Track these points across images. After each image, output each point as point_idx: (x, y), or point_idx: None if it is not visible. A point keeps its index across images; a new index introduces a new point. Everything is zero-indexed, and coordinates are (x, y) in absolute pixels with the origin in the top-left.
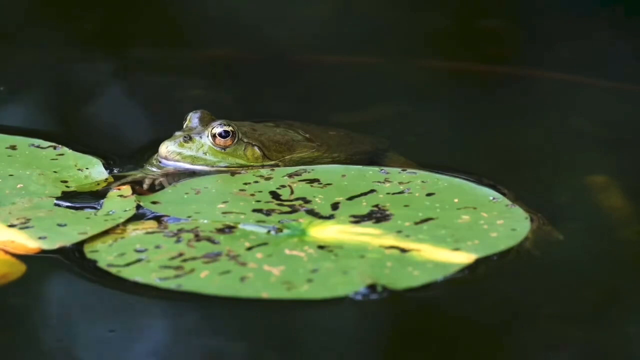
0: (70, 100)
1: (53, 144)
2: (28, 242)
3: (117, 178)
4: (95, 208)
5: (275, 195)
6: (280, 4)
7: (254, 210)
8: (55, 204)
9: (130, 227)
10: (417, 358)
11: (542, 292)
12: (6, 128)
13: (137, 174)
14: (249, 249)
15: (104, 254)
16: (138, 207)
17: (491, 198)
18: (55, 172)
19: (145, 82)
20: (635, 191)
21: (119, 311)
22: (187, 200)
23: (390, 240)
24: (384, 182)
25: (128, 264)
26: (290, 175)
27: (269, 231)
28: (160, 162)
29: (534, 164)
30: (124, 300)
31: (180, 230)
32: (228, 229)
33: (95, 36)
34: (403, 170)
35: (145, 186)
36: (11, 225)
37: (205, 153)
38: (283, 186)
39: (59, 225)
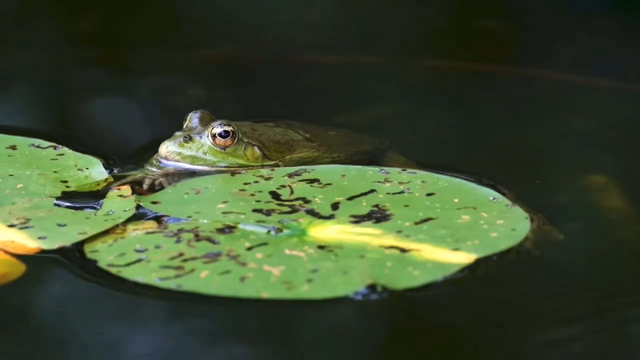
0: (71, 100)
1: (53, 144)
2: (28, 242)
3: (117, 178)
4: (95, 208)
5: (275, 195)
6: (280, 3)
7: (254, 210)
8: (55, 204)
9: (130, 227)
10: (417, 358)
11: (542, 292)
12: (6, 128)
13: (137, 174)
14: (249, 249)
15: (104, 254)
16: (138, 207)
17: (491, 198)
18: (55, 172)
19: (145, 82)
20: (635, 191)
21: (119, 311)
22: (187, 200)
23: (390, 240)
24: (384, 182)
25: (128, 264)
26: (290, 175)
27: (269, 231)
28: (160, 162)
29: (534, 164)
30: (124, 300)
31: (180, 230)
32: (228, 229)
33: (95, 36)
34: (403, 170)
35: (145, 186)
36: (11, 225)
37: (205, 153)
38: (283, 186)
39: (59, 225)
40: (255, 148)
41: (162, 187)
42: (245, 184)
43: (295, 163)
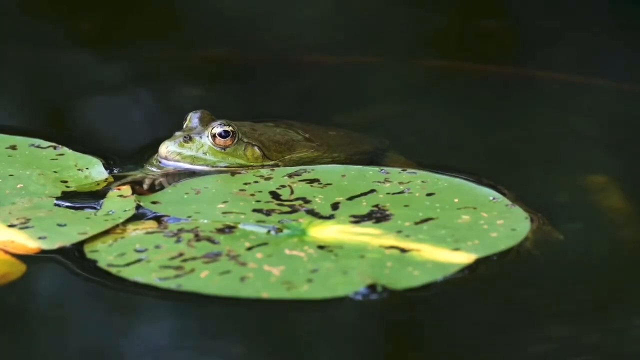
0: (71, 100)
1: (53, 144)
2: (28, 242)
3: (117, 178)
4: (95, 208)
5: (275, 195)
6: (280, 3)
7: (254, 210)
8: (55, 204)
9: (130, 227)
10: (417, 358)
11: (542, 292)
12: (6, 128)
13: (137, 174)
14: (249, 249)
15: (104, 254)
16: (138, 207)
17: (491, 198)
18: (55, 172)
19: (145, 82)
20: (635, 191)
21: (119, 311)
22: (187, 200)
23: (390, 240)
24: (384, 182)
25: (128, 264)
26: (290, 175)
27: (269, 231)
28: (160, 162)
29: (534, 164)
30: (124, 300)
31: (180, 230)
32: (228, 229)
33: (94, 36)
34: (403, 170)
35: (145, 186)
36: (11, 225)
37: (205, 153)
38: (283, 186)
39: (59, 225)
40: (255, 148)
41: (162, 187)
42: (245, 184)
43: (295, 163)
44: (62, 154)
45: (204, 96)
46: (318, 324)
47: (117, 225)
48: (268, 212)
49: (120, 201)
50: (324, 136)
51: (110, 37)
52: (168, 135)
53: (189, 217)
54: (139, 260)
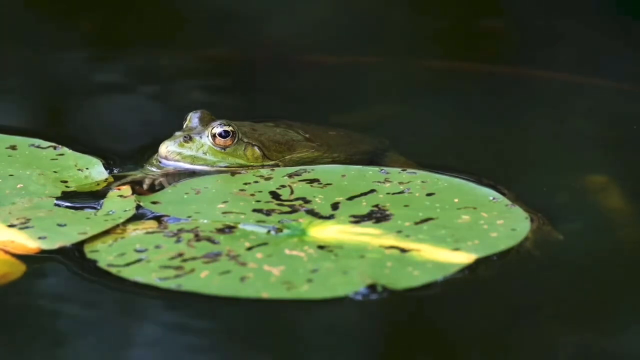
0: (71, 101)
1: (53, 144)
2: (28, 242)
3: (117, 178)
4: (95, 208)
5: (275, 195)
6: (281, 3)
7: (254, 210)
8: (55, 204)
9: (130, 227)
10: (417, 358)
11: (542, 292)
12: (6, 128)
13: (137, 174)
14: (249, 249)
15: (104, 254)
16: (138, 207)
17: (491, 198)
18: (55, 172)
19: (145, 82)
20: (635, 191)
21: (118, 311)
22: (187, 200)
23: (390, 240)
24: (384, 182)
25: (128, 264)
26: (290, 175)
27: (269, 231)
28: (160, 162)
29: (534, 164)
30: (124, 300)
31: (180, 230)
32: (228, 229)
33: (94, 36)
34: (403, 170)
35: (145, 186)
36: (11, 225)
37: (205, 153)
38: (283, 186)
39: (59, 225)
40: (255, 148)
41: (162, 187)
42: (245, 184)
43: (295, 163)
44: (62, 154)
45: (204, 96)
46: (318, 324)
47: (117, 225)
48: (268, 212)
49: (120, 201)
50: (324, 136)
51: (110, 37)
52: (168, 135)
53: (189, 217)
54: (139, 260)
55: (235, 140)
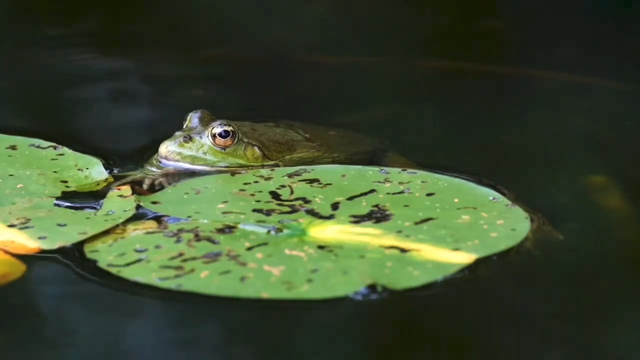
0: (70, 101)
1: (53, 144)
2: (28, 242)
3: (117, 178)
4: (95, 208)
5: (275, 195)
6: (280, 4)
7: (254, 210)
8: (55, 204)
9: (130, 227)
10: (417, 358)
11: (542, 292)
12: (6, 128)
13: (137, 174)
14: (249, 249)
15: (104, 254)
16: (138, 207)
17: (491, 198)
18: (55, 172)
19: (145, 82)
20: (634, 191)
21: (119, 311)
22: (187, 200)
23: (390, 240)
24: (384, 182)
25: (128, 264)
26: (290, 175)
27: (269, 231)
28: (160, 162)
29: (534, 164)
30: (124, 300)
31: (180, 230)
32: (228, 229)
33: (94, 36)
34: (403, 170)
35: (145, 186)
36: (11, 225)
37: (205, 153)
38: (283, 186)
39: (59, 225)
40: (255, 148)
41: (162, 187)
42: (245, 184)
43: (295, 163)
44: (62, 154)
45: (204, 96)
46: (318, 324)
47: (117, 225)
48: (268, 212)
49: (120, 201)
50: (324, 136)
51: (111, 37)
52: (168, 135)
53: (189, 217)
54: (139, 260)
55: (235, 140)
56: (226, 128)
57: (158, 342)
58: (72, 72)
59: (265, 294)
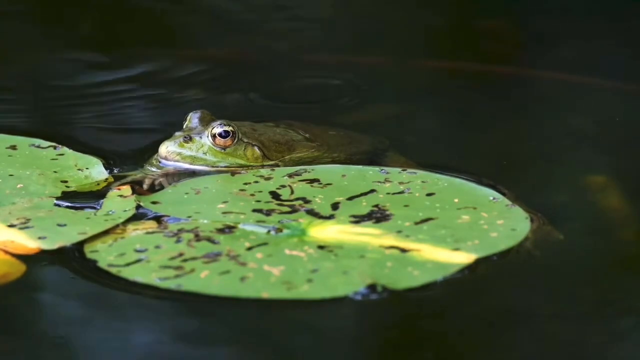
0: (70, 101)
1: (53, 144)
2: (28, 242)
3: (117, 178)
4: (95, 208)
5: (275, 195)
6: (280, 4)
7: (254, 210)
8: (55, 204)
9: (130, 227)
10: (417, 358)
11: (542, 292)
12: (6, 128)
13: (137, 174)
14: (249, 249)
15: (104, 254)
16: (138, 207)
17: (491, 198)
18: (55, 172)
19: (145, 82)
20: (634, 191)
21: (118, 311)
22: (187, 200)
23: (390, 240)
24: (384, 182)
25: (128, 264)
26: (290, 175)
27: (269, 231)
28: (160, 162)
29: (534, 163)
30: (124, 300)
31: (180, 230)
32: (228, 229)
33: (94, 37)
34: (403, 170)
35: (145, 186)
36: (11, 225)
37: (205, 153)
38: (283, 186)
39: (59, 225)
40: (255, 148)
41: (162, 187)
42: (245, 184)
43: (295, 163)
44: (62, 154)
45: (204, 96)
46: (318, 324)
47: (117, 225)
48: (268, 212)
49: (120, 201)
50: (324, 136)
51: (111, 37)
52: (168, 136)
53: (189, 217)
54: (139, 260)
55: (235, 140)
56: (226, 128)
57: (158, 342)
58: (72, 71)
59: (265, 294)
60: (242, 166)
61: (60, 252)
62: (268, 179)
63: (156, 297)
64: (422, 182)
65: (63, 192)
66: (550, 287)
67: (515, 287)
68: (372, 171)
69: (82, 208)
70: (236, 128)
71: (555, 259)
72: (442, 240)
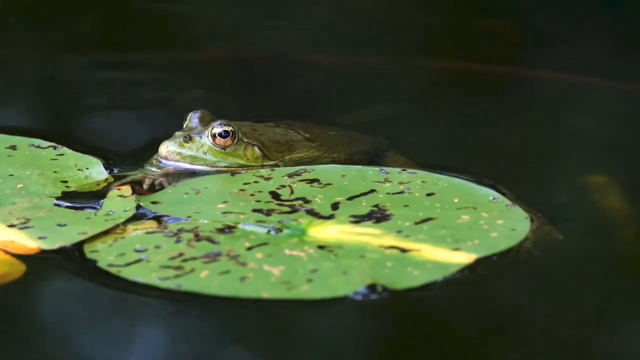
0: (71, 101)
1: (53, 144)
2: (28, 242)
3: (117, 178)
4: (95, 208)
5: (275, 195)
6: (280, 4)
7: (254, 210)
8: (55, 204)
9: (130, 227)
10: (417, 358)
11: (542, 292)
12: (6, 128)
13: (137, 174)
14: (249, 249)
15: (104, 254)
16: (138, 207)
17: (491, 198)
18: (55, 172)
19: (145, 82)
20: (634, 191)
21: (119, 311)
22: (187, 200)
23: (390, 240)
24: (384, 182)
25: (128, 264)
26: (290, 175)
27: (269, 231)
28: (160, 162)
29: (534, 164)
30: (124, 300)
31: (180, 230)
32: (228, 229)
33: (94, 37)
34: (403, 170)
35: (145, 186)
36: (11, 225)
37: (205, 153)
38: (283, 186)
39: (59, 225)
40: (255, 148)
41: (162, 187)
42: (245, 184)
43: (295, 163)
44: (62, 154)
45: (204, 96)
46: (318, 324)
47: (117, 225)
48: (268, 212)
49: (120, 201)
50: (324, 136)
51: (111, 38)
52: (168, 135)
53: (189, 217)
54: (139, 260)
55: (235, 140)
56: (226, 128)
57: (158, 343)
58: (72, 71)
59: (265, 294)
60: (242, 166)
61: (60, 252)
62: (268, 179)
63: (156, 297)
64: (422, 182)
65: (63, 192)
66: (550, 287)
67: (515, 287)
68: (372, 171)
69: (82, 208)
70: (236, 128)
71: (555, 259)
72: (442, 240)
